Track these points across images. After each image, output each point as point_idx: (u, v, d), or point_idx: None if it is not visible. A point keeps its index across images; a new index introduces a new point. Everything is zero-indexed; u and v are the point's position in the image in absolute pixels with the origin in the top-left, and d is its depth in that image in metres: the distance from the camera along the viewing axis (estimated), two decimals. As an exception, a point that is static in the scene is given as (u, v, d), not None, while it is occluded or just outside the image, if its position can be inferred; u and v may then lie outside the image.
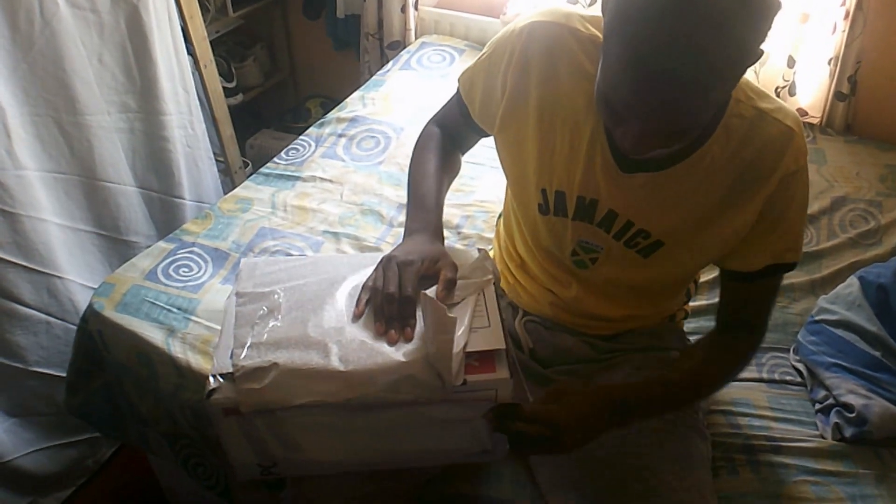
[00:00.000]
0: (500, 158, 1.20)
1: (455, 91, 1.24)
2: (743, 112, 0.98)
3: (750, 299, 1.12)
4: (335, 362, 0.93)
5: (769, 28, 0.81)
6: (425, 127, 1.32)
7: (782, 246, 1.05)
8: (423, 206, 1.17)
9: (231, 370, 0.94)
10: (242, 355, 0.95)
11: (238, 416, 0.94)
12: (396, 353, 0.95)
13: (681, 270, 1.14)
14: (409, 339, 0.97)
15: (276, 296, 1.04)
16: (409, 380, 0.93)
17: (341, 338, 0.97)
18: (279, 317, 1.00)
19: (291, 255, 1.59)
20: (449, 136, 1.29)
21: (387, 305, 1.00)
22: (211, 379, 0.94)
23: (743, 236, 1.04)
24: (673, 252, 1.08)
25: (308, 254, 1.61)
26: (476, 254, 1.09)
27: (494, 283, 1.06)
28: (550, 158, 1.09)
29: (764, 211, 1.01)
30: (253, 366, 0.93)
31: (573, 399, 1.00)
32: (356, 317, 1.01)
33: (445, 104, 1.30)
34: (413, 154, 1.27)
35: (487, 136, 1.24)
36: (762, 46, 0.82)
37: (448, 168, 1.27)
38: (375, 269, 1.05)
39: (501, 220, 1.36)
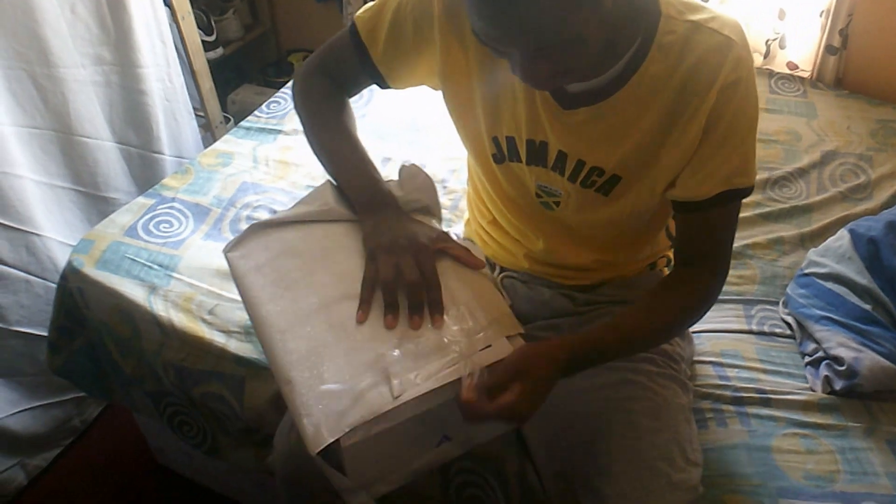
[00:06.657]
0: (451, 117, 1.15)
1: (348, 33, 1.14)
2: (675, 28, 0.93)
3: (705, 229, 1.06)
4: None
5: None
6: (306, 78, 1.21)
7: (730, 169, 0.99)
8: (368, 175, 1.12)
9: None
10: None
11: None
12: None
13: (644, 205, 1.09)
14: (439, 327, 0.97)
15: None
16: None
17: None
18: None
19: (274, 210, 1.55)
20: (336, 82, 1.20)
21: (411, 296, 0.98)
22: None
23: (689, 158, 0.99)
24: (632, 185, 1.04)
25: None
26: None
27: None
28: (495, 104, 1.06)
29: (707, 128, 0.96)
30: None
31: (528, 383, 0.91)
32: (360, 322, 0.98)
33: (329, 47, 1.20)
34: (308, 113, 1.19)
35: (382, 83, 1.16)
36: None
37: (353, 122, 1.21)
38: (375, 261, 1.02)
39: (469, 181, 1.33)
